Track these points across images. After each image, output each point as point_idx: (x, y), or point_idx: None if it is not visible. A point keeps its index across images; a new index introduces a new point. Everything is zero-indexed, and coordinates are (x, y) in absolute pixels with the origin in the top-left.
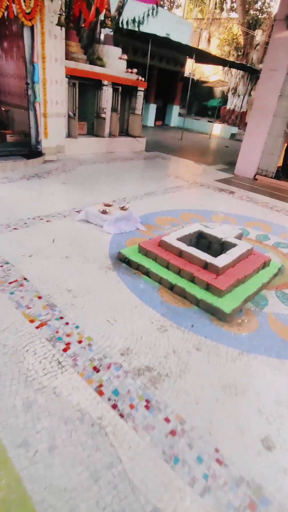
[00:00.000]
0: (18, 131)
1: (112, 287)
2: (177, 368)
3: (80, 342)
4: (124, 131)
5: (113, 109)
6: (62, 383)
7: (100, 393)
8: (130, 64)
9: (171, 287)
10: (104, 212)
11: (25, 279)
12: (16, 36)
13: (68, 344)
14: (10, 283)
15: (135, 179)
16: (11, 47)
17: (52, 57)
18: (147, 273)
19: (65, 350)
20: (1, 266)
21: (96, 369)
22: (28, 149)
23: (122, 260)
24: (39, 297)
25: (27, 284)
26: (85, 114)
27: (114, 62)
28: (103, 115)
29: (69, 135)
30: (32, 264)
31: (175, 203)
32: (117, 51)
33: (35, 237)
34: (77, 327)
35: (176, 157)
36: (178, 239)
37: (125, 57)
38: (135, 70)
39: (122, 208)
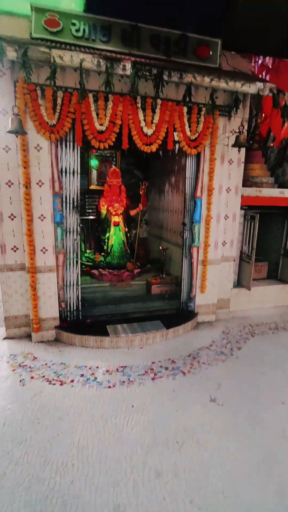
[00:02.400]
0: (170, 279)
1: None
2: None
3: None
4: None
5: None
6: None
7: None
8: None
9: None
10: None
11: None
12: (182, 168)
13: None
14: None
15: None
16: (177, 180)
17: (223, 187)
18: None
19: None
20: None
21: None
22: (176, 306)
23: None
24: None
25: None
26: (265, 252)
27: None
28: None
29: (238, 283)
30: None
31: None
32: None
33: None
34: None
35: None
36: None
37: None
38: None
39: None
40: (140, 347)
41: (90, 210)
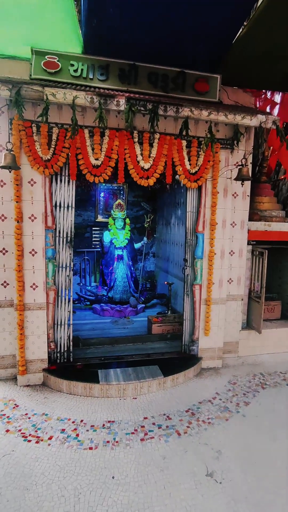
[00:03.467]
0: (173, 317)
1: None
2: None
3: None
4: None
5: None
6: None
7: None
8: None
9: None
10: None
11: None
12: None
13: None
14: None
15: None
16: (182, 213)
17: (227, 221)
18: None
19: None
20: None
21: None
22: (178, 350)
23: None
24: None
25: None
26: (278, 290)
27: None
28: None
29: (248, 324)
30: None
31: None
32: None
33: None
34: None
35: None
36: None
37: None
38: None
39: None
40: (134, 397)
41: (97, 243)
